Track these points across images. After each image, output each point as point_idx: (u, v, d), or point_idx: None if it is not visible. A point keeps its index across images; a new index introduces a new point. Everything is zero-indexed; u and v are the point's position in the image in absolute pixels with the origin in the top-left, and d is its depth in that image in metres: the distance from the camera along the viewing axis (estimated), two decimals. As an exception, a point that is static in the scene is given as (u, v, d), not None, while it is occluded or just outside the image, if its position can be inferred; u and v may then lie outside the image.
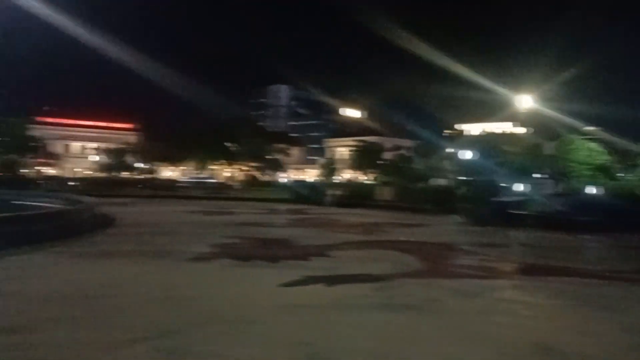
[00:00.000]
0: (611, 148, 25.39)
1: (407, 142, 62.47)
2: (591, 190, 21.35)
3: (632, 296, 8.18)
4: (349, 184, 42.08)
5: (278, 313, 6.45)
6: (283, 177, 65.02)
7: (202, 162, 66.81)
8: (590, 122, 32.35)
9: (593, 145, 24.96)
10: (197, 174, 64.97)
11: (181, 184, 52.48)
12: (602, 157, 24.04)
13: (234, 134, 65.09)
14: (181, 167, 72.86)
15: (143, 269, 9.38)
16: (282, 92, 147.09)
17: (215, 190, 45.93)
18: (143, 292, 7.41)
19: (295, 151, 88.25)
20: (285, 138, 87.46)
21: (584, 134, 26.35)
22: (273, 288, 7.86)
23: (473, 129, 66.74)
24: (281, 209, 27.77)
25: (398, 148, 57.07)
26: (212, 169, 68.82)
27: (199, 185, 49.99)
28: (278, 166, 67.53)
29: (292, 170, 78.15)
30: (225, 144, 64.71)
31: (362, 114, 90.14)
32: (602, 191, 21.03)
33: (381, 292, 7.75)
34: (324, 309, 6.69)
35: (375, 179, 41.30)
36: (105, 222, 16.58)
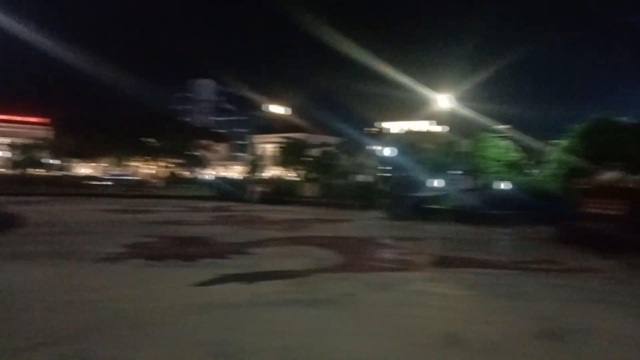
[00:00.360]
0: (521, 146, 26.87)
1: (331, 139, 63.12)
2: (502, 185, 22.55)
3: (537, 285, 8.65)
4: (274, 181, 41.95)
5: (190, 313, 6.22)
6: (207, 174, 63.63)
7: (121, 159, 63.93)
8: (502, 121, 34.22)
9: (504, 143, 26.32)
10: (116, 171, 62.13)
11: (97, 182, 49.96)
12: (512, 154, 25.40)
13: (155, 129, 62.79)
14: (100, 164, 69.36)
15: (48, 270, 8.79)
16: (207, 87, 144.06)
17: (135, 187, 44.25)
18: (46, 296, 6.95)
19: (219, 147, 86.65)
20: (209, 134, 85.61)
21: (496, 132, 27.74)
22: (186, 288, 7.60)
23: (395, 126, 68.66)
24: (203, 206, 27.14)
25: (323, 145, 57.49)
26: (132, 166, 66.05)
27: (117, 182, 47.88)
28: (201, 163, 65.94)
29: (216, 167, 76.68)
30: (146, 139, 62.31)
31: (288, 110, 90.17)
32: (512, 186, 22.26)
33: (297, 288, 7.72)
34: (238, 307, 6.55)
35: (300, 176, 41.39)
36: (12, 222, 15.45)
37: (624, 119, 21.33)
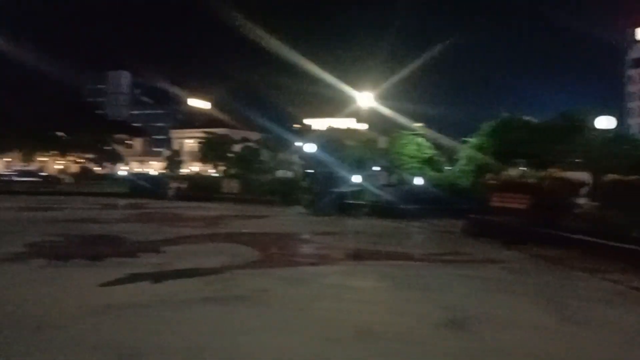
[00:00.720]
0: (435, 143, 27.95)
1: (255, 135, 62.54)
2: (418, 181, 23.38)
3: (446, 276, 9.01)
4: (194, 177, 40.88)
5: (93, 315, 5.87)
6: (123, 170, 60.91)
7: (28, 153, 59.61)
8: (418, 119, 35.44)
9: (421, 140, 27.27)
10: (23, 166, 57.93)
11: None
12: (428, 151, 26.39)
13: (66, 122, 59.11)
14: (5, 159, 64.32)
15: None
16: (123, 79, 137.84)
17: (43, 184, 41.53)
18: None
19: (137, 142, 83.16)
20: (125, 128, 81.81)
21: (412, 130, 28.69)
22: (91, 288, 7.18)
23: (318, 123, 69.30)
24: (117, 203, 25.97)
25: (246, 140, 56.84)
26: (41, 161, 61.85)
27: (24, 178, 44.72)
28: (117, 158, 63.02)
29: (133, 163, 73.59)
30: (56, 133, 58.53)
31: (210, 105, 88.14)
32: (426, 182, 23.13)
33: (210, 286, 7.52)
34: (145, 307, 6.26)
35: (221, 172, 40.64)
36: None
37: (530, 118, 22.81)
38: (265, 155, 41.02)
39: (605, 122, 18.33)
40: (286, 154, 40.69)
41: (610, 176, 13.21)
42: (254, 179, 32.05)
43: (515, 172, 16.13)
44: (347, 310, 6.41)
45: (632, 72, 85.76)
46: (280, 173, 32.50)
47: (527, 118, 22.61)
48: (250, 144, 46.18)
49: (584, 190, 14.73)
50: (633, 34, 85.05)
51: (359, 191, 22.71)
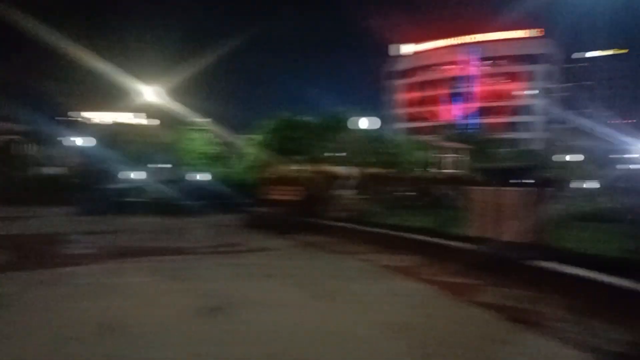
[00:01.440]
0: (224, 139, 28.18)
1: (20, 128, 54.91)
2: (203, 177, 23.24)
3: (216, 266, 9.05)
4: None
5: None
6: None
7: None
8: (206, 115, 35.29)
9: (208, 136, 27.21)
10: None
11: None
12: (212, 147, 26.47)
13: None
14: None
15: None
16: None
17: None
18: None
19: None
20: None
21: (197, 125, 28.46)
22: None
23: (98, 117, 64.00)
24: None
25: (9, 133, 49.60)
26: None
27: None
28: None
29: None
30: None
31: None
32: (210, 178, 23.14)
33: None
34: None
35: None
36: None
37: (308, 117, 24.48)
38: (30, 149, 36.37)
39: (368, 123, 20.67)
40: (56, 149, 36.67)
41: (370, 170, 14.96)
42: (14, 176, 28.11)
43: (290, 167, 17.11)
44: (98, 308, 5.98)
45: (396, 82, 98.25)
46: (50, 169, 29.18)
47: (305, 118, 24.25)
48: (13, 136, 40.45)
49: (350, 183, 16.35)
50: (397, 48, 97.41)
51: (140, 188, 21.61)
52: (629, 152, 38.96)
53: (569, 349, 4.60)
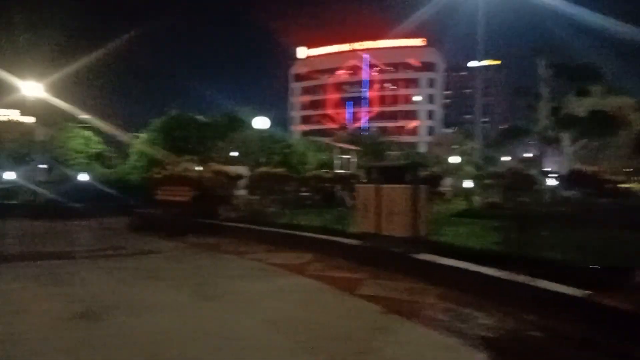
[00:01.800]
0: (108, 138, 26.61)
1: None
2: (83, 177, 21.74)
3: (97, 270, 8.52)
4: None
5: None
6: None
7: None
8: (90, 113, 33.16)
9: (89, 133, 25.54)
10: None
11: None
12: (97, 145, 24.90)
13: None
14: None
15: None
16: None
17: None
18: None
19: None
20: None
21: (80, 123, 26.61)
22: None
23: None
24: None
25: None
26: None
27: None
28: None
29: None
30: None
31: None
32: (94, 178, 21.72)
33: None
34: None
35: None
36: None
37: (201, 116, 23.91)
38: None
39: (261, 123, 20.62)
40: None
41: (261, 169, 14.94)
42: None
43: (179, 166, 16.60)
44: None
45: (294, 85, 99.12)
46: None
47: (197, 116, 23.65)
48: None
49: (241, 182, 16.23)
50: (295, 52, 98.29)
51: (13, 190, 19.80)
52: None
53: (440, 334, 4.93)
